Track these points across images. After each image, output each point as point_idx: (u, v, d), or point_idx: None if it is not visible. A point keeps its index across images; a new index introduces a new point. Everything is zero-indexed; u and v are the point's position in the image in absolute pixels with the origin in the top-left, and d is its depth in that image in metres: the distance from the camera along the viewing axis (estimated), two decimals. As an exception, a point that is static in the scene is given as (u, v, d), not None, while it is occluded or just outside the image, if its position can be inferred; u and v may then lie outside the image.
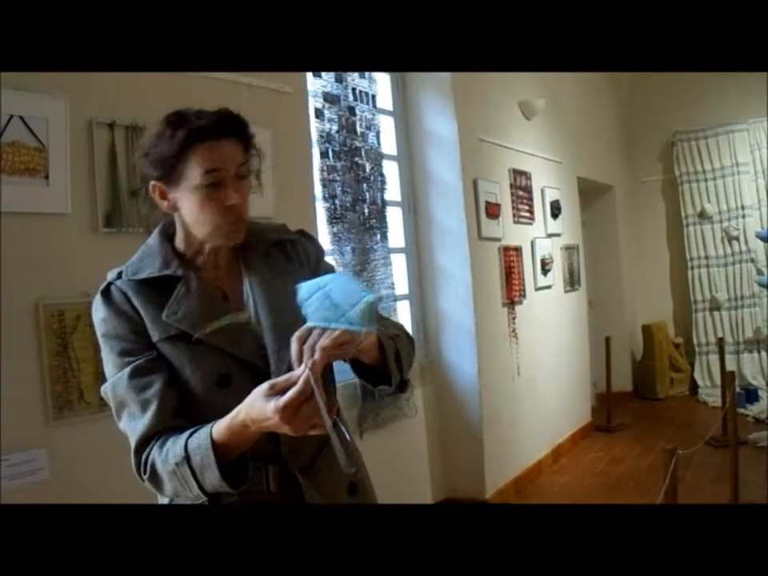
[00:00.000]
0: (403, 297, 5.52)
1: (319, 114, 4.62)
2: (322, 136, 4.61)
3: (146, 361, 1.79)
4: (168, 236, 1.92)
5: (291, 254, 2.04)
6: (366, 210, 4.86)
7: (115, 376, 1.80)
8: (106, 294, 1.85)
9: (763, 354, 9.68)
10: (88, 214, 3.13)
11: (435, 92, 5.60)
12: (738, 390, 8.62)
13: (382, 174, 5.08)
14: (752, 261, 9.80)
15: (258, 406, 1.58)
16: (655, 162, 10.66)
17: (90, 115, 3.16)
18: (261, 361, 1.83)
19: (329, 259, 3.67)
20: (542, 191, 7.22)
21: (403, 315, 5.44)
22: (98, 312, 1.85)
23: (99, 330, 1.85)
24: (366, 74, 5.05)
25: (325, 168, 4.58)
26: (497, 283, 6.10)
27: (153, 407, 1.75)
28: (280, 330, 1.83)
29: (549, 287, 7.22)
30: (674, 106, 10.11)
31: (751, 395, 8.92)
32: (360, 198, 4.81)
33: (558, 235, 7.61)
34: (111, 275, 1.88)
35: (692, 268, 10.20)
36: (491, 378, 5.84)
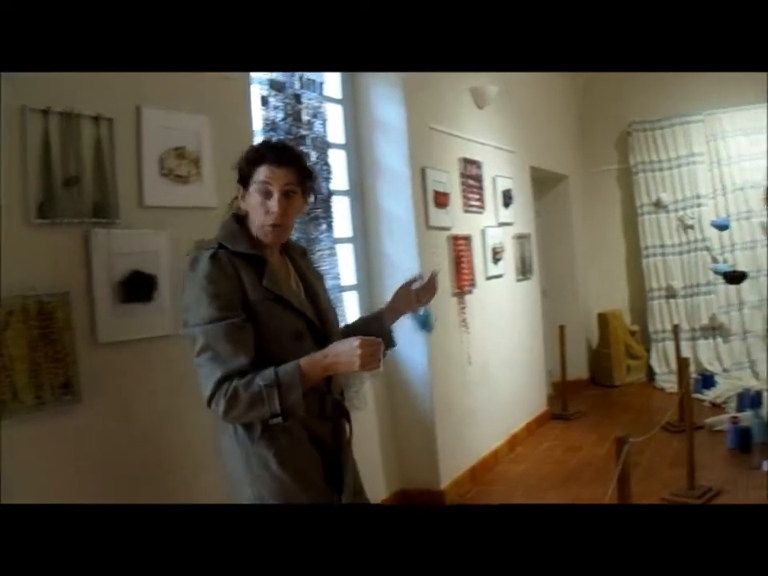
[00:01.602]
0: (351, 287, 5.49)
1: (264, 101, 4.56)
2: (267, 124, 4.56)
3: (242, 320, 2.51)
4: (242, 223, 2.71)
5: (309, 260, 3.06)
6: (311, 200, 4.80)
7: (210, 325, 2.48)
8: (215, 258, 2.53)
9: (719, 339, 9.83)
10: (20, 205, 3.02)
11: (385, 79, 5.58)
12: (694, 375, 8.72)
13: (327, 163, 5.03)
14: (707, 249, 10.03)
15: (347, 345, 2.45)
16: (611, 152, 10.83)
17: (22, 101, 3.05)
18: (319, 323, 2.73)
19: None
20: (494, 180, 7.23)
21: (351, 306, 5.39)
22: (203, 271, 2.52)
23: (200, 284, 2.50)
24: (313, 62, 4.99)
25: (269, 157, 4.51)
26: (446, 273, 6.09)
27: (245, 355, 2.47)
28: (324, 306, 2.84)
29: (500, 276, 7.24)
30: (629, 96, 10.27)
31: (708, 381, 9.15)
32: (305, 187, 4.76)
33: (509, 224, 7.64)
34: (208, 245, 2.60)
35: (647, 256, 10.40)
36: (442, 367, 5.86)
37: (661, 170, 10.26)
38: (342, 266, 5.17)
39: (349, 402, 4.81)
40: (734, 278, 7.97)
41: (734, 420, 6.83)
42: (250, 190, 2.66)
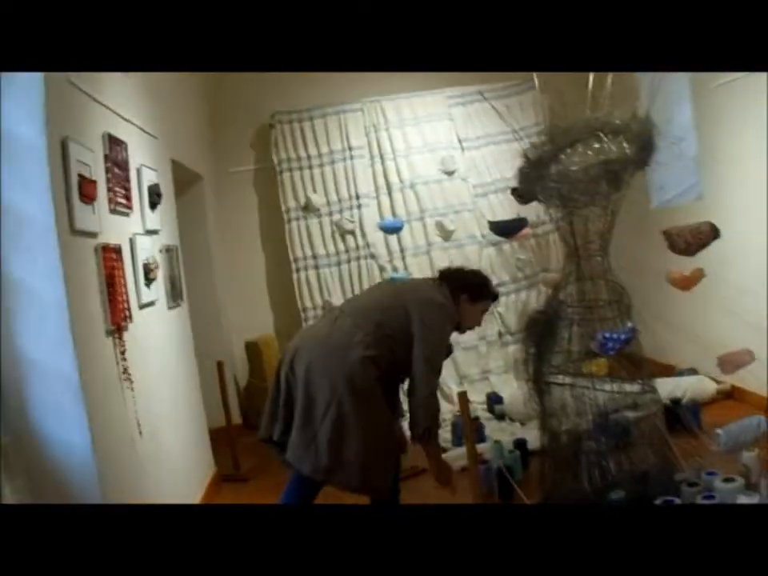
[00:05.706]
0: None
1: None
2: None
3: None
4: None
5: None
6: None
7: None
8: None
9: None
10: None
11: None
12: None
13: None
14: (372, 256, 8.93)
15: (447, 466, 4.55)
16: (250, 149, 9.42)
17: None
18: None
19: None
20: (139, 171, 5.43)
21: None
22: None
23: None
24: None
25: None
26: (96, 301, 4.24)
27: None
28: None
29: (153, 303, 5.43)
30: (273, 83, 8.85)
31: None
32: None
33: (156, 232, 5.85)
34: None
35: (297, 270, 8.99)
36: (109, 445, 4.07)
37: (310, 167, 9.04)
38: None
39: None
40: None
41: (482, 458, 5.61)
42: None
